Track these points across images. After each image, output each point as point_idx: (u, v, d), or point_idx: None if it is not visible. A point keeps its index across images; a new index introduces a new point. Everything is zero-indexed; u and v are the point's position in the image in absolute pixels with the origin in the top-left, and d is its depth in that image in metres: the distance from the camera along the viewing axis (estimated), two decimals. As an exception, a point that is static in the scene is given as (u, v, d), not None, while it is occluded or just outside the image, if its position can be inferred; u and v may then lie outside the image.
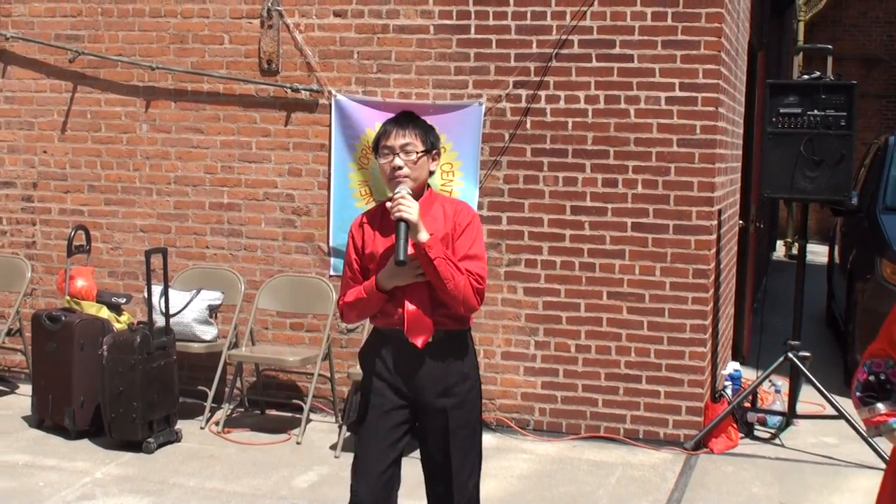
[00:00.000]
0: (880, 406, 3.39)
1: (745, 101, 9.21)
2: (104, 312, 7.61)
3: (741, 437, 7.45)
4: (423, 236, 4.17)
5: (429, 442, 4.40)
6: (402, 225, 4.14)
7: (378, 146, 4.34)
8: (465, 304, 4.25)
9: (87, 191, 8.36)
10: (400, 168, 4.26)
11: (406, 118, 4.39)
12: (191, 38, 8.02)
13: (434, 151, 4.39)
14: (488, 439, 7.43)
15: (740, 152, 9.08)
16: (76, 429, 7.23)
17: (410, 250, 4.19)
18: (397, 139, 4.29)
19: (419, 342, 4.27)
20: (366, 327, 7.03)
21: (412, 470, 4.66)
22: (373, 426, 4.35)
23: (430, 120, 7.44)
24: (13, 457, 6.87)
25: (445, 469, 4.37)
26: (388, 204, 4.24)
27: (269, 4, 7.79)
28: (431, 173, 4.41)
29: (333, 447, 7.11)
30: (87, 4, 8.22)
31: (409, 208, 4.15)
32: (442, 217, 4.33)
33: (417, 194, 4.31)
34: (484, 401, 7.49)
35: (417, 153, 4.30)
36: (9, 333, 8.18)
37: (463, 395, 4.36)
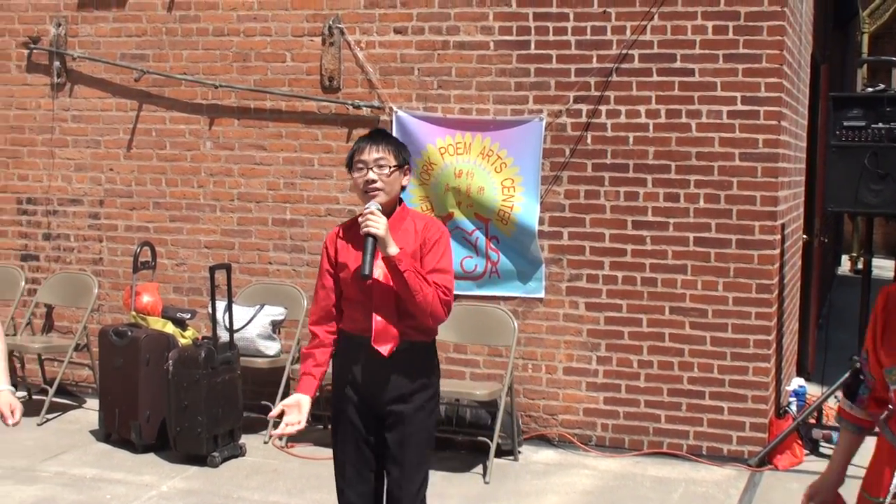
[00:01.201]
0: (846, 404, 3.63)
1: (808, 114, 9.13)
2: (169, 328, 7.69)
3: (806, 454, 7.37)
4: (393, 250, 4.31)
5: (386, 446, 4.53)
6: (370, 240, 4.29)
7: (352, 161, 4.48)
8: (432, 316, 4.41)
9: (152, 208, 8.47)
10: (374, 182, 4.40)
11: (379, 134, 4.57)
12: (253, 56, 8.11)
13: (406, 167, 4.53)
14: (550, 455, 7.43)
15: (804, 166, 9.01)
16: (142, 443, 7.31)
17: (378, 266, 4.34)
18: (371, 154, 4.43)
19: (385, 351, 4.42)
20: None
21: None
22: (345, 436, 4.53)
23: (490, 135, 7.57)
24: (81, 470, 6.96)
25: (398, 473, 4.51)
26: (360, 219, 4.36)
27: (331, 22, 7.86)
28: (403, 188, 4.56)
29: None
30: (151, 24, 8.35)
31: (376, 223, 4.29)
32: (413, 232, 4.47)
33: (390, 209, 4.47)
34: (546, 416, 7.52)
35: (390, 167, 4.43)
36: (76, 349, 8.30)
37: (421, 403, 4.50)
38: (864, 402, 3.57)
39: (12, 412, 4.39)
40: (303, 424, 4.45)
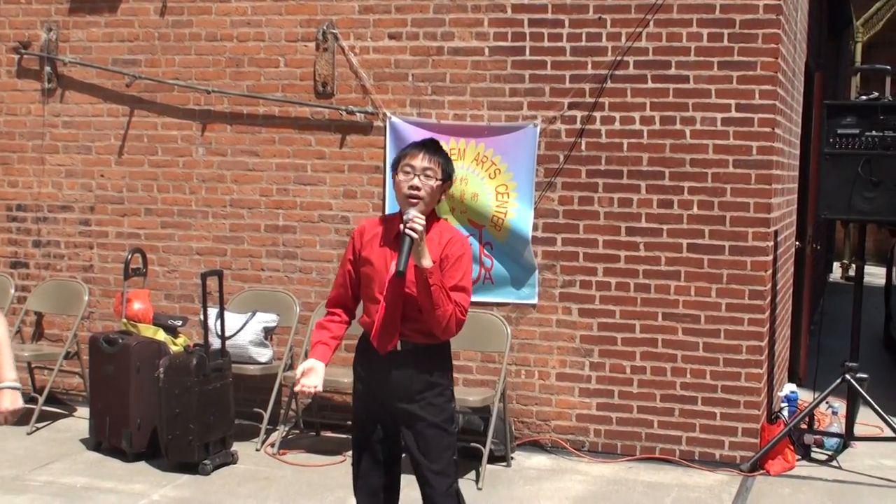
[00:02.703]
0: None
1: (801, 121, 9.14)
2: (161, 335, 7.65)
3: (798, 459, 7.37)
4: (427, 262, 4.40)
5: (406, 443, 4.65)
6: (408, 240, 4.36)
7: (399, 163, 4.58)
8: (445, 331, 4.51)
9: (143, 214, 8.43)
10: (418, 189, 4.50)
11: (433, 145, 4.66)
12: (246, 61, 8.09)
13: (447, 182, 4.63)
14: (543, 460, 7.41)
15: (797, 173, 9.02)
16: (133, 451, 7.27)
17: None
18: (423, 161, 4.55)
19: (382, 349, 4.56)
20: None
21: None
22: (361, 432, 4.72)
23: (484, 142, 7.56)
24: (72, 479, 6.92)
25: (422, 469, 4.62)
26: (405, 218, 4.41)
27: (325, 27, 7.84)
28: (439, 201, 4.66)
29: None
30: (143, 29, 8.32)
31: (420, 228, 4.36)
32: (437, 242, 4.55)
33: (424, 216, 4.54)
34: (539, 422, 7.50)
35: (436, 179, 4.54)
36: (66, 356, 8.25)
37: (429, 400, 4.59)
38: None
39: (7, 416, 4.33)
40: (319, 388, 4.57)
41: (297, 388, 4.61)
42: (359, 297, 4.72)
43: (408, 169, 4.53)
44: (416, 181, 4.49)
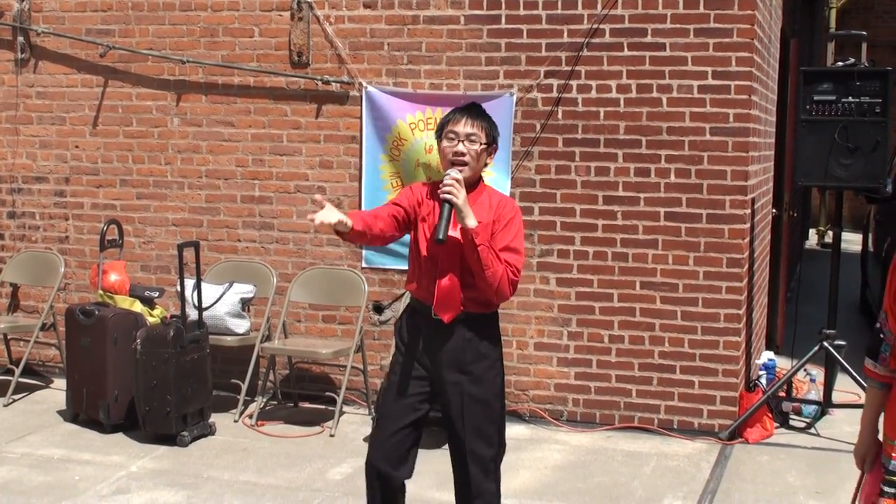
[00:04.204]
0: (870, 364, 3.78)
1: (777, 88, 9.13)
2: (137, 306, 7.63)
3: (776, 427, 7.41)
4: (472, 222, 4.38)
5: (448, 415, 4.63)
6: (447, 206, 4.35)
7: (443, 129, 4.56)
8: (498, 293, 4.47)
9: (118, 185, 8.38)
10: (463, 154, 4.49)
11: (476, 109, 4.62)
12: (221, 31, 8.02)
13: (493, 146, 4.61)
14: (521, 430, 7.42)
15: (773, 140, 9.02)
16: (111, 423, 7.25)
17: (451, 233, 4.37)
18: (465, 127, 4.52)
19: (446, 318, 4.51)
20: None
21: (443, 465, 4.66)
22: (392, 396, 4.63)
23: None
24: (49, 451, 6.90)
25: (461, 442, 4.61)
26: (443, 183, 4.41)
27: (299, -3, 7.78)
28: (486, 165, 4.63)
29: (367, 439, 7.09)
30: (117, -1, 8.25)
31: (457, 191, 4.35)
32: (488, 207, 4.53)
33: (472, 183, 4.53)
34: (517, 392, 7.50)
35: (481, 144, 4.52)
36: (43, 328, 8.22)
37: (479, 373, 4.58)
38: (886, 359, 3.71)
39: None
40: (333, 220, 4.34)
41: (311, 216, 4.38)
42: (384, 235, 4.58)
43: (451, 136, 4.52)
44: (460, 147, 4.49)
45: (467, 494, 4.68)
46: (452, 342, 4.54)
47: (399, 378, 4.62)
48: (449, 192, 4.34)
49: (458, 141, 4.50)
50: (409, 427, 4.63)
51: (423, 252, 4.56)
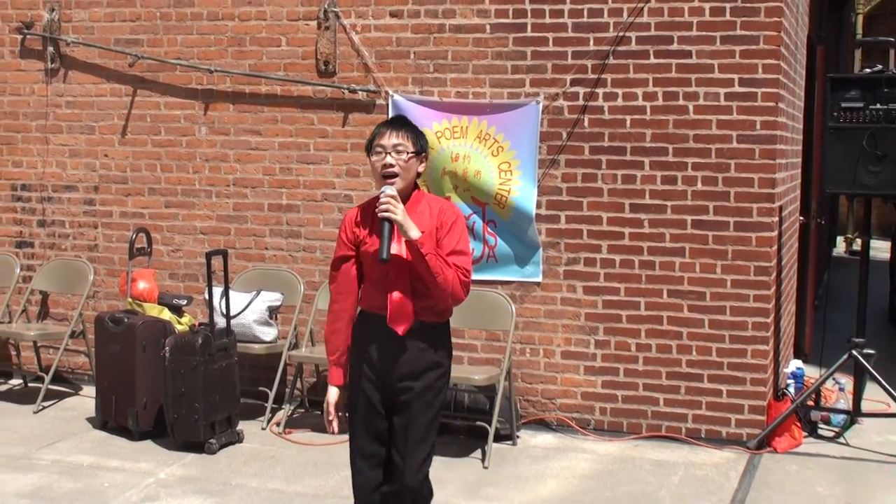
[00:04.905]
0: None
1: (804, 95, 9.11)
2: (166, 314, 7.67)
3: (805, 436, 7.37)
4: (414, 234, 4.44)
5: (394, 420, 4.68)
6: (387, 224, 4.42)
7: (371, 145, 4.62)
8: (453, 296, 4.55)
9: (147, 194, 8.43)
10: (391, 166, 4.54)
11: (399, 121, 4.71)
12: (248, 40, 8.07)
13: (423, 154, 4.65)
14: (548, 439, 7.42)
15: (800, 148, 8.99)
16: (139, 430, 7.29)
17: (395, 249, 4.45)
18: (390, 139, 4.58)
19: (400, 330, 4.55)
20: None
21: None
22: (359, 409, 4.69)
23: (487, 119, 7.55)
24: (78, 458, 6.94)
25: (403, 446, 4.63)
26: (376, 203, 4.47)
27: (326, 6, 7.81)
28: (419, 174, 4.67)
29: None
30: (145, 9, 8.30)
31: (394, 208, 4.41)
32: (428, 215, 4.59)
33: (406, 193, 4.59)
34: (544, 400, 7.51)
35: (408, 153, 4.56)
36: (72, 335, 8.26)
37: (431, 381, 4.63)
38: None
39: None
40: (340, 410, 4.74)
41: (337, 429, 4.73)
42: (358, 283, 4.71)
43: (379, 149, 4.56)
44: (388, 159, 4.53)
45: (399, 496, 4.70)
46: (408, 351, 4.59)
47: (366, 393, 4.67)
48: (386, 210, 4.39)
49: (386, 153, 4.53)
50: (377, 434, 4.70)
51: (371, 271, 4.60)
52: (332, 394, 4.70)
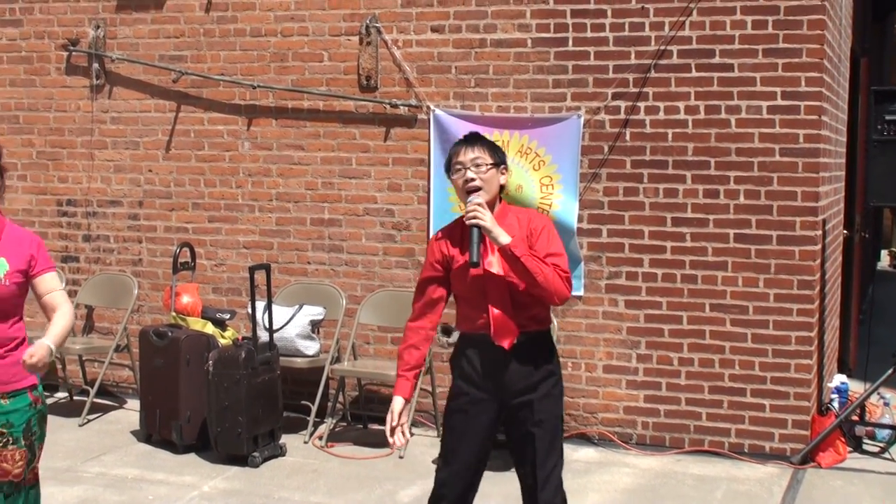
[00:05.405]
0: None
1: (847, 108, 9.05)
2: (209, 328, 7.72)
3: (849, 451, 7.31)
4: (505, 239, 4.42)
5: (515, 434, 4.63)
6: (476, 230, 4.41)
7: (450, 165, 4.62)
8: (557, 293, 4.49)
9: (191, 208, 8.50)
10: (472, 180, 4.53)
11: (474, 136, 4.69)
12: (291, 56, 8.12)
13: (502, 166, 4.64)
14: (590, 453, 7.40)
15: (844, 161, 8.93)
16: (183, 443, 7.34)
17: (492, 267, 4.45)
18: (467, 154, 4.58)
19: (506, 344, 4.50)
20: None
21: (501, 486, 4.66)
22: (460, 428, 4.64)
23: (528, 133, 7.55)
24: (123, 471, 7.00)
25: (532, 458, 4.58)
26: (465, 214, 4.47)
27: (368, 21, 7.86)
28: (502, 187, 4.66)
29: (436, 461, 7.10)
30: (189, 25, 8.38)
31: (482, 214, 4.41)
32: (517, 225, 4.58)
33: (491, 206, 4.57)
34: (586, 414, 7.49)
35: (487, 165, 4.55)
36: (117, 349, 8.33)
37: (548, 390, 4.59)
38: None
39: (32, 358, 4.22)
40: (404, 420, 4.62)
41: (399, 442, 4.65)
42: (442, 306, 4.69)
43: (458, 166, 4.56)
44: (468, 174, 4.52)
45: None
46: (519, 364, 4.55)
47: (464, 408, 4.62)
48: (474, 217, 4.40)
49: (465, 169, 4.53)
50: (479, 459, 4.67)
51: (467, 289, 4.57)
52: (398, 403, 4.60)
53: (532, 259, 4.41)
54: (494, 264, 4.47)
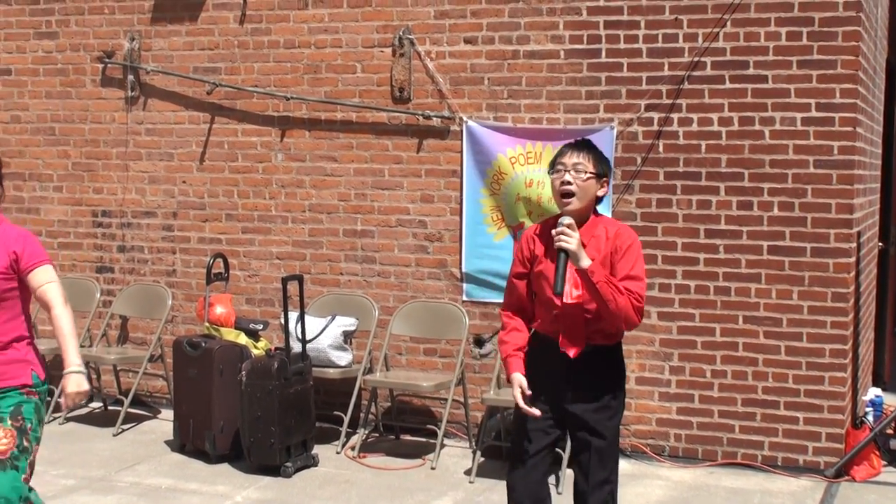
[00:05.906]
0: None
1: (883, 120, 9.00)
2: (242, 339, 7.74)
3: (884, 465, 7.25)
4: (585, 262, 4.45)
5: (574, 443, 4.74)
6: (563, 255, 4.45)
7: (553, 164, 4.66)
8: (626, 322, 4.54)
9: (224, 219, 8.54)
10: (569, 184, 4.56)
11: (584, 143, 4.73)
12: (324, 67, 8.16)
13: (604, 178, 4.67)
14: (623, 465, 7.35)
15: (879, 173, 8.88)
16: (216, 453, 7.36)
17: (569, 294, 4.53)
18: (571, 158, 4.61)
19: (572, 353, 4.60)
20: (498, 353, 7.02)
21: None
22: (527, 427, 4.69)
23: (561, 145, 7.50)
24: (157, 480, 7.03)
25: (586, 465, 4.67)
26: (553, 231, 4.49)
27: (401, 33, 7.88)
28: (599, 199, 4.70)
29: (468, 472, 7.11)
30: (223, 38, 8.43)
31: (569, 239, 4.43)
32: (604, 238, 4.61)
33: (583, 215, 4.62)
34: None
35: (588, 173, 4.58)
36: (151, 359, 8.39)
37: (606, 402, 4.66)
38: None
39: (71, 399, 4.36)
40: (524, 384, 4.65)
41: (531, 411, 4.63)
42: (531, 302, 4.77)
43: (559, 167, 4.61)
44: (566, 176, 4.56)
45: None
46: (582, 373, 4.61)
47: (535, 421, 4.67)
48: (561, 241, 4.42)
49: (565, 171, 4.57)
50: (545, 460, 4.74)
51: (543, 293, 4.65)
52: (519, 378, 4.65)
53: (608, 286, 4.44)
54: (568, 286, 4.53)
